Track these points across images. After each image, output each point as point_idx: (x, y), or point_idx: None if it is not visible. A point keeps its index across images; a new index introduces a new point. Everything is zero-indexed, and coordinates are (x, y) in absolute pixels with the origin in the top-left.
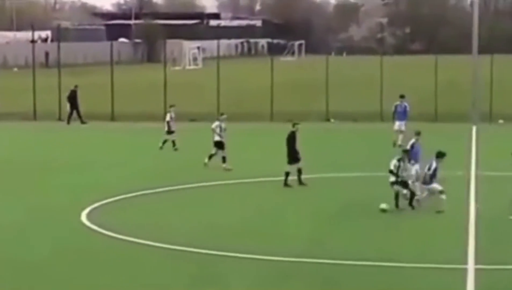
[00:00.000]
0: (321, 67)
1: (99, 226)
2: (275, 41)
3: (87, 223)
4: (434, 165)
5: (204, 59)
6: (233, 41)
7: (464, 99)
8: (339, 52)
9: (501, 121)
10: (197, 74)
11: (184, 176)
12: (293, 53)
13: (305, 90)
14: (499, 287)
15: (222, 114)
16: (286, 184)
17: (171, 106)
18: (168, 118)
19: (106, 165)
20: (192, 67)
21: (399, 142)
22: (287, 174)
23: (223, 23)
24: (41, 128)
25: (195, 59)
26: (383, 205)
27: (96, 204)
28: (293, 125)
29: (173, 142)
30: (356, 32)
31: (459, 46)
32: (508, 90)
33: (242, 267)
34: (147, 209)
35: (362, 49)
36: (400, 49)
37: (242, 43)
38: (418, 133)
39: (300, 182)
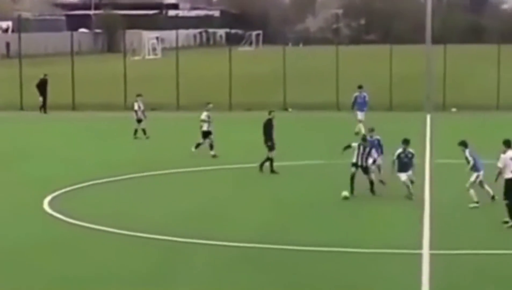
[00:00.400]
0: (278, 57)
1: (62, 214)
2: (233, 31)
3: (50, 211)
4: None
5: (163, 49)
6: (192, 31)
7: (418, 88)
8: (296, 42)
9: (454, 109)
10: (157, 64)
11: (147, 164)
12: (250, 43)
13: (263, 80)
14: (453, 271)
15: (208, 103)
16: (272, 170)
17: (138, 96)
18: (136, 107)
19: (68, 154)
20: (151, 57)
21: (363, 131)
22: (270, 160)
23: (181, 13)
24: (2, 119)
25: (154, 49)
26: (345, 193)
27: (58, 192)
28: (269, 112)
29: (143, 130)
30: (312, 23)
31: (413, 37)
32: (461, 79)
33: (204, 253)
34: (110, 197)
35: (318, 39)
36: (356, 40)
37: (200, 33)
38: (371, 130)
39: (272, 170)
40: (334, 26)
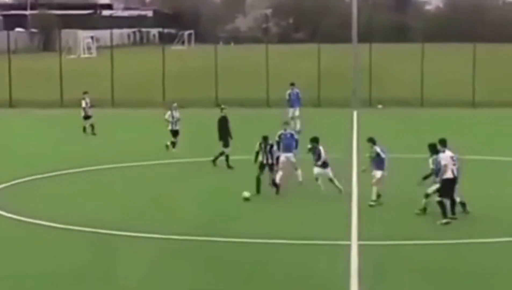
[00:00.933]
0: (210, 55)
1: (1, 209)
2: (166, 30)
3: None
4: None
5: (98, 48)
6: (126, 31)
7: (345, 85)
8: (227, 41)
9: (380, 106)
10: (92, 62)
11: (83, 159)
12: (183, 42)
13: (196, 78)
14: (381, 260)
15: (173, 103)
16: (228, 166)
17: (84, 93)
18: (83, 104)
19: (7, 149)
20: (86, 55)
21: (298, 128)
22: (225, 155)
23: (115, 13)
24: None
25: (89, 48)
26: (245, 193)
27: None
28: (221, 110)
29: (92, 126)
30: (242, 23)
31: (340, 35)
32: (386, 76)
33: (145, 246)
34: (50, 192)
35: (248, 38)
36: (285, 39)
37: (134, 32)
38: (286, 123)
39: (217, 162)
40: (264, 25)
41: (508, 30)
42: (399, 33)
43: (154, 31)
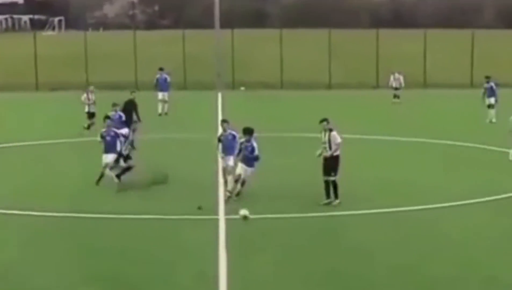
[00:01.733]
0: (80, 41)
1: None
2: (37, 17)
3: None
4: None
5: None
6: None
7: (210, 69)
8: (96, 27)
9: (242, 88)
10: None
11: None
12: (53, 28)
13: (67, 63)
14: (248, 233)
15: (88, 85)
16: (132, 145)
17: None
18: None
19: None
20: None
21: (166, 111)
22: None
23: None
24: None
25: None
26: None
27: None
28: (131, 92)
29: None
30: (110, 10)
31: (204, 22)
32: (248, 60)
33: (20, 223)
34: None
35: (116, 25)
36: (151, 25)
37: (6, 19)
38: (114, 104)
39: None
40: (130, 12)
41: (361, 16)
42: (259, 20)
43: (25, 17)
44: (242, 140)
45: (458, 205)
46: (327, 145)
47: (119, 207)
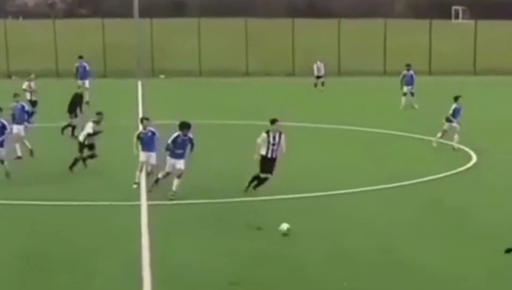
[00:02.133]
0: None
1: None
2: None
3: None
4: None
5: None
6: None
7: (129, 57)
8: (16, 16)
9: (162, 76)
10: None
11: None
12: None
13: None
14: (170, 218)
15: (30, 74)
16: (73, 135)
17: None
18: None
19: None
20: None
21: (87, 99)
22: (72, 126)
23: None
24: None
25: None
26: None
27: None
28: (78, 87)
29: None
30: None
31: (122, 11)
32: (167, 49)
33: None
34: None
35: (36, 13)
36: (70, 14)
37: None
38: (16, 95)
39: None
40: (50, 1)
41: (277, 6)
42: (177, 9)
43: None
44: (179, 133)
45: (378, 189)
46: (276, 147)
47: (52, 194)
